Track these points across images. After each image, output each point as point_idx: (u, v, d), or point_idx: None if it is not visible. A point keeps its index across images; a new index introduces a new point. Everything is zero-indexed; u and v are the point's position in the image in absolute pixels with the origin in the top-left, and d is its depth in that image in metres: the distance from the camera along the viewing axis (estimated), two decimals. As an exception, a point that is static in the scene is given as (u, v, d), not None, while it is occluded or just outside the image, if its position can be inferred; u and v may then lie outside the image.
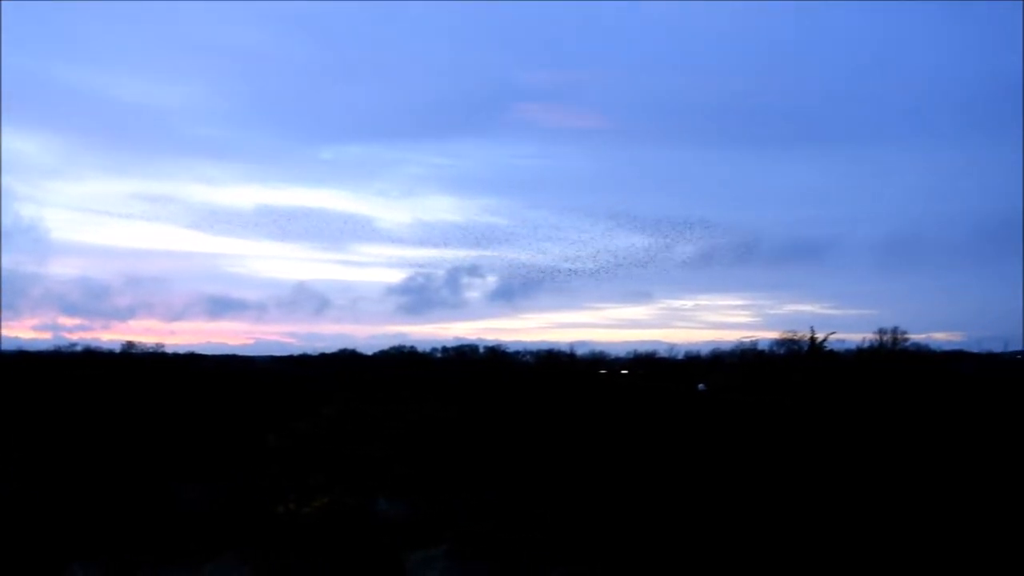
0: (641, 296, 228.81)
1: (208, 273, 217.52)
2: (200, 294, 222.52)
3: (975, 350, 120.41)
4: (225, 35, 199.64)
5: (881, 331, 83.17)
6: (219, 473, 28.80)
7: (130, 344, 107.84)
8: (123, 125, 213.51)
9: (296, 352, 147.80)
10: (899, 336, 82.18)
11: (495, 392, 69.66)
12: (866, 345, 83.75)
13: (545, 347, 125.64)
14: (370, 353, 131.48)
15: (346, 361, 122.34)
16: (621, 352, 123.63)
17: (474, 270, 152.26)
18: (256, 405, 55.31)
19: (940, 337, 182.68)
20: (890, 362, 77.56)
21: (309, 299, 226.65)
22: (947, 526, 20.08)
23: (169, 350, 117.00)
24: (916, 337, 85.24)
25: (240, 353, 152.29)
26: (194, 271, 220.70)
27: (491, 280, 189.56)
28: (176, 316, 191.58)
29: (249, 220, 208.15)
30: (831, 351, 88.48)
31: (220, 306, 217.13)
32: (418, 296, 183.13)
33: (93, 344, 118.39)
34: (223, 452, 33.53)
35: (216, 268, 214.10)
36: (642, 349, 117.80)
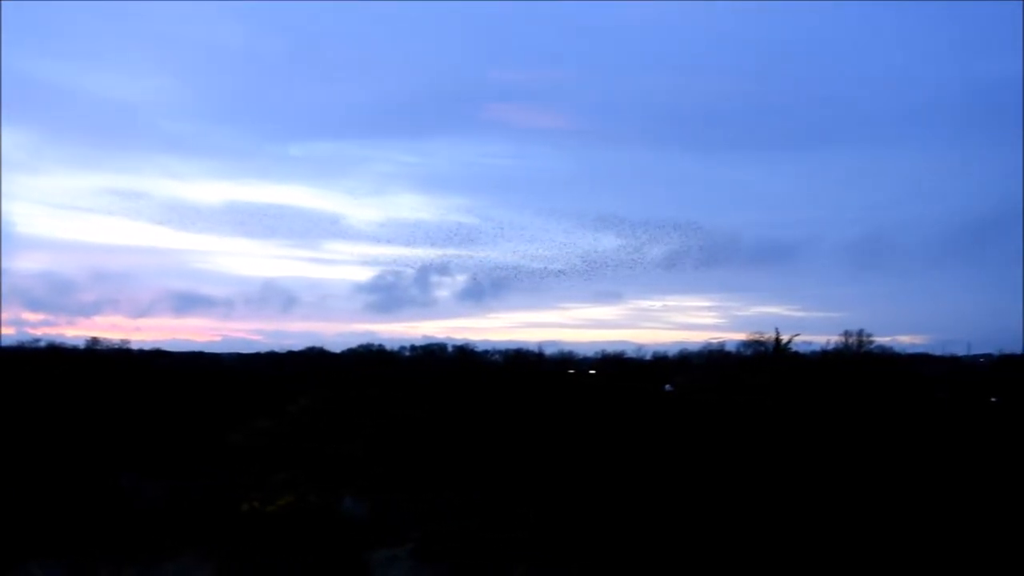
0: (610, 296, 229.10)
1: (175, 269, 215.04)
2: (167, 290, 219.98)
3: (939, 353, 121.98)
4: (195, 30, 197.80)
5: (847, 333, 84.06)
6: (182, 471, 28.53)
7: (95, 340, 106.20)
8: (91, 119, 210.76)
9: (263, 350, 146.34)
10: (864, 338, 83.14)
11: (463, 392, 69.48)
12: (831, 347, 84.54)
13: (514, 346, 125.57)
14: (338, 351, 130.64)
15: (314, 359, 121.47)
16: (589, 352, 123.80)
17: (443, 269, 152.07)
18: (221, 403, 54.79)
19: (905, 340, 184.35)
20: (852, 364, 78.25)
21: (277, 296, 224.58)
22: (904, 519, 20.30)
23: (135, 346, 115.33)
24: (881, 340, 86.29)
25: (207, 350, 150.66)
26: (161, 267, 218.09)
27: (460, 279, 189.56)
28: (142, 312, 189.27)
29: (217, 216, 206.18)
30: (796, 353, 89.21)
31: (187, 303, 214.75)
32: (387, 294, 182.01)
33: (57, 340, 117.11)
34: (186, 450, 33.21)
35: (183, 264, 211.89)
36: (610, 349, 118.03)
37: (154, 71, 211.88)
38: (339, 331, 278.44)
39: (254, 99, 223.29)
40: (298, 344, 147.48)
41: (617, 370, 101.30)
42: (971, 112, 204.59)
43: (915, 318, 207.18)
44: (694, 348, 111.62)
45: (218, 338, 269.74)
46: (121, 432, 37.26)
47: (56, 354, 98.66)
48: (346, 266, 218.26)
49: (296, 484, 26.14)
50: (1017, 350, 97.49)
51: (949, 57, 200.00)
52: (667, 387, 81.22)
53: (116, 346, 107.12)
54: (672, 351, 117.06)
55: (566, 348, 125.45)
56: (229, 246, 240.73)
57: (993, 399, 67.65)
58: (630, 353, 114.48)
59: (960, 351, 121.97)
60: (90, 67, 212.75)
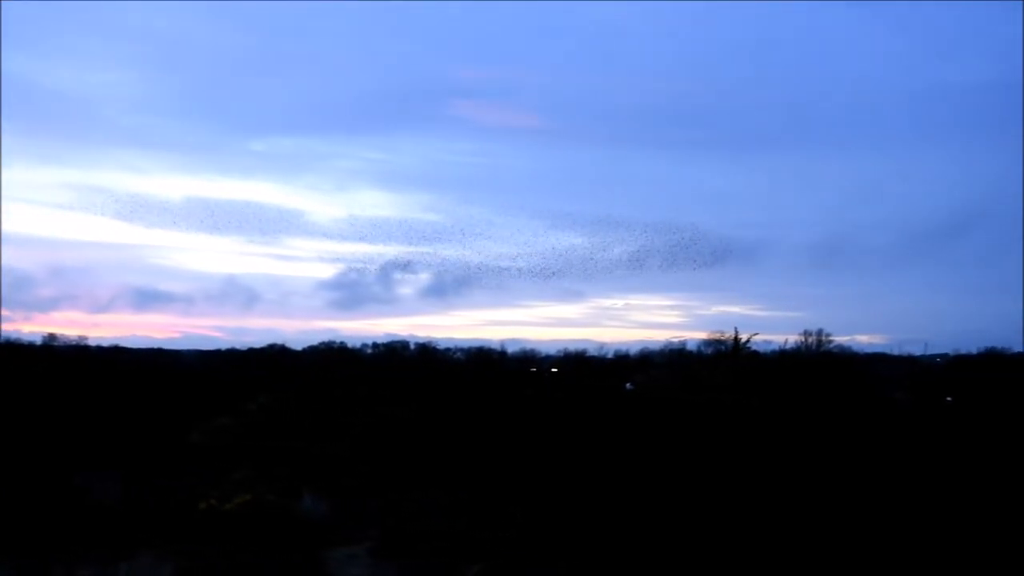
0: (574, 295, 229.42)
1: (134, 265, 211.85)
2: (126, 286, 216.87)
3: (896, 352, 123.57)
4: (156, 22, 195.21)
5: (806, 333, 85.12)
6: (139, 469, 28.36)
7: (52, 336, 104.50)
8: (49, 113, 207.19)
9: (224, 346, 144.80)
10: (823, 338, 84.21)
11: (425, 390, 69.44)
12: (789, 346, 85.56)
13: (476, 344, 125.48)
14: (300, 348, 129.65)
15: (275, 356, 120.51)
16: (552, 350, 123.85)
17: (407, 266, 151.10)
18: (180, 400, 54.36)
19: (863, 340, 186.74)
20: (811, 363, 79.20)
21: (238, 293, 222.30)
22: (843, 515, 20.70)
23: (93, 343, 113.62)
24: (840, 339, 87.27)
25: (167, 347, 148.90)
26: (120, 263, 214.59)
27: (424, 276, 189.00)
28: (101, 308, 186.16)
29: (177, 211, 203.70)
30: (754, 352, 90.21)
31: (146, 298, 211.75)
32: (350, 291, 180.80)
33: (13, 336, 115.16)
34: (144, 448, 32.97)
35: (143, 260, 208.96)
36: (572, 348, 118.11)
37: (114, 64, 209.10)
38: (301, 328, 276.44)
39: (216, 93, 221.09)
40: (259, 341, 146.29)
41: (579, 368, 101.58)
42: (930, 116, 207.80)
43: (873, 318, 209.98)
44: (655, 347, 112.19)
45: (178, 335, 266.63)
46: (78, 430, 36.90)
47: (12, 350, 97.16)
48: (309, 263, 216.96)
49: (255, 483, 26.09)
50: (973, 350, 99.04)
51: (911, 60, 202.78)
52: (628, 386, 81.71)
53: (74, 343, 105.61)
54: (634, 350, 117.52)
55: (528, 346, 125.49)
56: (190, 242, 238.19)
57: (948, 399, 68.77)
58: (592, 352, 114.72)
59: (917, 351, 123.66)
60: (48, 59, 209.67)
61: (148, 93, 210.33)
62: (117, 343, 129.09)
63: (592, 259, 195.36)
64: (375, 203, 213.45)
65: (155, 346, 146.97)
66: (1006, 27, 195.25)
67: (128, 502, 23.08)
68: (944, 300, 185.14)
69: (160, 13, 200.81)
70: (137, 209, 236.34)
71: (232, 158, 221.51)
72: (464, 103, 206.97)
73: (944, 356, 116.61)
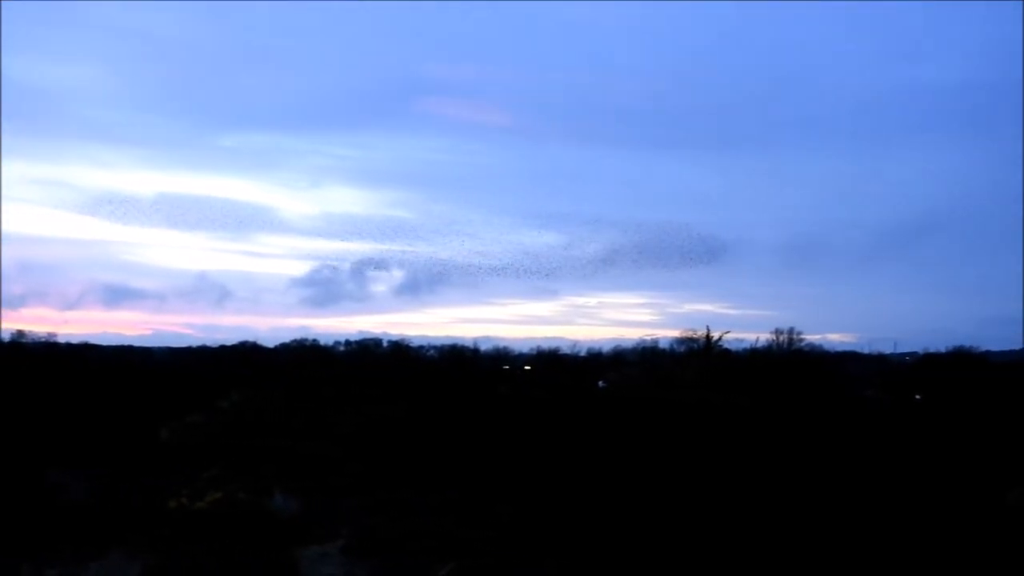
0: (547, 293, 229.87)
1: (105, 261, 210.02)
2: (96, 283, 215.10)
3: (866, 351, 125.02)
4: (125, 16, 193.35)
5: (777, 331, 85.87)
6: (109, 468, 28.14)
7: (20, 333, 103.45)
8: (16, 106, 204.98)
9: (195, 344, 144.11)
10: (794, 336, 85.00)
11: (399, 388, 69.37)
12: (760, 344, 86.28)
13: (449, 342, 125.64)
14: (272, 346, 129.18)
15: (247, 353, 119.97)
16: (525, 348, 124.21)
17: (380, 263, 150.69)
18: (151, 398, 53.98)
19: (834, 338, 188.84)
20: (782, 361, 79.92)
21: (210, 290, 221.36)
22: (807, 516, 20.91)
23: (62, 340, 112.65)
24: (811, 338, 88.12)
25: (137, 344, 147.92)
26: (90, 259, 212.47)
27: (397, 274, 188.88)
28: (70, 305, 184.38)
29: (148, 207, 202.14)
30: (726, 350, 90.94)
31: (117, 295, 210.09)
32: (322, 289, 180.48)
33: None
34: (115, 446, 32.73)
35: (113, 256, 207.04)
36: (545, 345, 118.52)
37: (81, 57, 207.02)
38: (273, 325, 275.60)
39: (186, 88, 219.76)
40: (231, 338, 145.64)
41: (553, 366, 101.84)
42: (900, 116, 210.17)
43: (844, 317, 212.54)
44: (628, 344, 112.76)
45: (149, 332, 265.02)
46: (47, 427, 36.59)
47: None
48: (281, 260, 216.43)
49: (226, 481, 25.95)
50: (941, 348, 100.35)
51: (881, 60, 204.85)
52: (600, 383, 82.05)
53: (43, 339, 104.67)
54: (606, 348, 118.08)
55: (501, 344, 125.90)
56: (161, 238, 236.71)
57: (918, 397, 69.62)
58: (565, 349, 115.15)
59: (887, 349, 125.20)
60: (14, 54, 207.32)
61: (117, 87, 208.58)
62: (87, 340, 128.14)
63: (565, 257, 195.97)
64: (347, 200, 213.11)
65: (125, 343, 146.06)
66: (975, 28, 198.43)
67: (98, 500, 22.89)
68: (913, 299, 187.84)
69: (130, 6, 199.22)
70: (107, 205, 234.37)
71: (203, 153, 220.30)
72: (437, 100, 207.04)
73: (913, 355, 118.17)
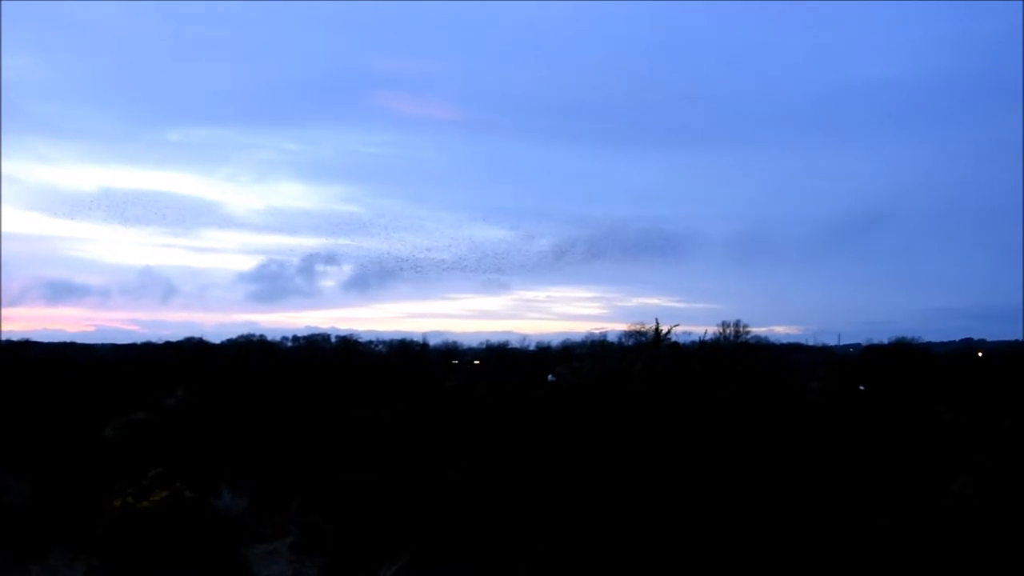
0: (496, 287, 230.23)
1: (46, 257, 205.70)
2: (37, 278, 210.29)
3: (811, 343, 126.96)
4: (67, 6, 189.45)
5: (724, 324, 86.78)
6: (49, 467, 27.55)
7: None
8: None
9: (140, 340, 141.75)
10: (741, 329, 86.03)
11: (342, 384, 68.83)
12: (707, 337, 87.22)
13: (399, 337, 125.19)
14: (218, 341, 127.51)
15: (192, 350, 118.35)
16: (474, 342, 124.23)
17: (328, 258, 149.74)
18: (94, 395, 52.95)
19: (780, 330, 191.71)
20: (728, 352, 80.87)
21: (155, 285, 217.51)
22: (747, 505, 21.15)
23: (2, 337, 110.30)
24: (757, 330, 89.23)
25: (80, 341, 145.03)
26: (32, 254, 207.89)
27: (346, 269, 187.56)
28: (11, 302, 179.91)
29: (91, 202, 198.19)
30: (675, 342, 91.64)
31: (59, 291, 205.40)
32: (270, 284, 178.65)
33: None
34: (55, 444, 32.04)
35: (55, 252, 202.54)
36: (495, 340, 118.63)
37: (22, 49, 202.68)
38: (219, 321, 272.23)
39: (130, 81, 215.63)
40: (176, 334, 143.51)
41: (502, 360, 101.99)
42: (843, 112, 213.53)
43: (789, 309, 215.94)
44: (577, 338, 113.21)
45: (92, 328, 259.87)
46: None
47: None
48: (227, 255, 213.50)
49: (171, 479, 25.55)
50: (884, 340, 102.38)
51: (826, 57, 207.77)
52: (550, 377, 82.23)
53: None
54: (556, 341, 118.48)
55: (451, 338, 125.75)
56: (104, 233, 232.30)
57: (861, 387, 70.76)
58: (514, 344, 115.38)
59: (831, 341, 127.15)
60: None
61: (58, 79, 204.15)
62: (28, 337, 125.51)
63: (514, 251, 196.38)
64: (295, 195, 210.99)
65: (67, 340, 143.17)
66: (919, 25, 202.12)
67: (40, 501, 22.42)
68: (857, 292, 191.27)
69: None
70: (48, 199, 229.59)
71: (147, 148, 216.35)
72: (384, 94, 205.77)
73: (856, 346, 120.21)
